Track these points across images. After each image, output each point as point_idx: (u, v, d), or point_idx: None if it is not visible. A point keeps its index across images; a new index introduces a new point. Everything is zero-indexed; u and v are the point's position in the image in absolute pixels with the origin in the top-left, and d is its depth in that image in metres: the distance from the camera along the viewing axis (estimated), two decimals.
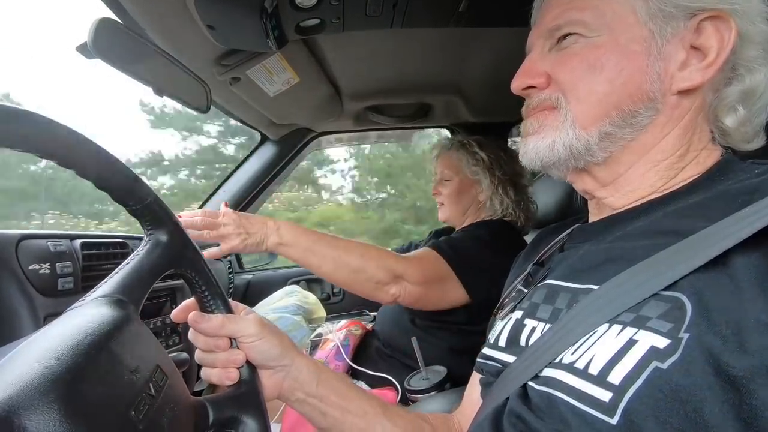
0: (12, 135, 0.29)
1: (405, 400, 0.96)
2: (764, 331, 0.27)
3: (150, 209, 0.40)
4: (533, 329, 0.43)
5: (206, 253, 0.79)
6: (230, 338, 0.45)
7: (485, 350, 0.50)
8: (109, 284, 0.36)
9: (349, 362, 1.07)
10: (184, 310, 0.46)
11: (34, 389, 0.23)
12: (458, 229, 1.15)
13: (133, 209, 0.40)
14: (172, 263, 0.42)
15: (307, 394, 0.48)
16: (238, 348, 0.45)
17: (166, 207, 0.42)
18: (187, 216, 0.79)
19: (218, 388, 0.45)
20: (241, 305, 0.50)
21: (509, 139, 1.48)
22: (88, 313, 0.32)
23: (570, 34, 0.43)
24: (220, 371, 0.44)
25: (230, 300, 0.48)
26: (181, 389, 0.37)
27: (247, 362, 0.45)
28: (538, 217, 1.15)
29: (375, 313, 1.46)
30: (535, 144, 0.45)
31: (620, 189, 0.44)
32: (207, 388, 1.06)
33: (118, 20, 0.65)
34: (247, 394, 0.43)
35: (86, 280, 0.82)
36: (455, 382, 0.93)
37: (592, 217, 0.51)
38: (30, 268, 0.73)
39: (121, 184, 0.38)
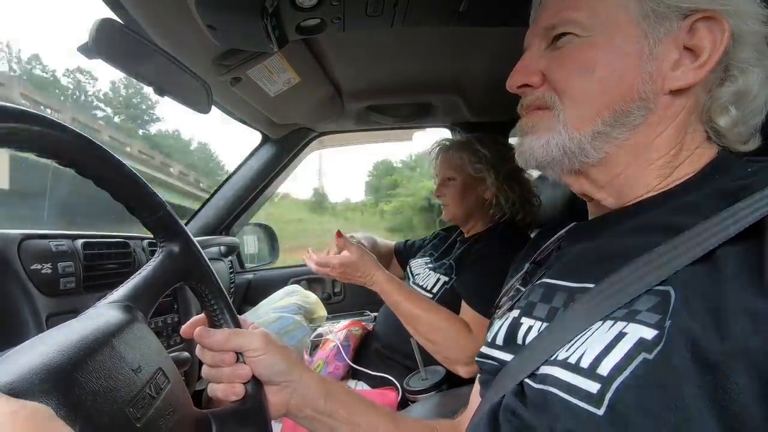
0: (37, 141, 0.30)
1: (405, 401, 0.96)
2: (743, 318, 0.27)
3: (162, 221, 0.41)
4: (530, 328, 0.43)
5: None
6: (236, 353, 0.45)
7: (483, 349, 0.50)
8: (120, 292, 0.37)
9: (350, 362, 1.07)
10: (192, 325, 0.46)
11: (35, 376, 0.24)
12: (469, 235, 1.14)
13: (146, 221, 0.40)
14: (183, 276, 0.43)
15: (316, 410, 0.47)
16: (244, 363, 0.45)
17: (178, 219, 0.43)
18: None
19: (223, 404, 0.44)
20: (248, 321, 0.50)
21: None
22: (96, 314, 0.33)
23: (565, 33, 0.43)
24: (225, 386, 0.43)
25: (240, 317, 0.48)
26: (185, 398, 0.37)
27: (254, 378, 0.45)
28: (540, 217, 1.15)
29: (375, 314, 1.46)
30: (530, 143, 0.45)
31: (617, 190, 0.44)
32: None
33: (119, 20, 0.66)
34: (252, 409, 0.43)
35: (88, 280, 0.82)
36: (454, 382, 0.93)
37: (591, 216, 0.51)
38: (32, 267, 0.73)
39: (135, 195, 0.38)
